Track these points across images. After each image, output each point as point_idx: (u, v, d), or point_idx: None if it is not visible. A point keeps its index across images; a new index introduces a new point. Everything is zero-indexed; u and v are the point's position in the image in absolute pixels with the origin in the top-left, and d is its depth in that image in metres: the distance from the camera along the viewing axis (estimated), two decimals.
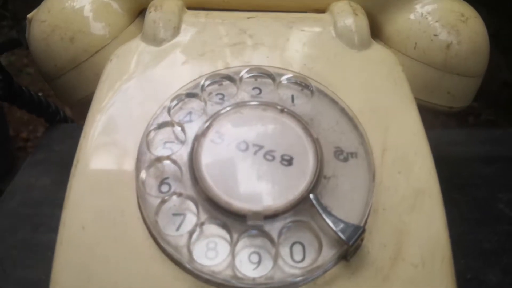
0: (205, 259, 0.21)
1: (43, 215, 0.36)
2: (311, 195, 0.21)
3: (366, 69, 0.27)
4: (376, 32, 0.34)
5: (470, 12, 0.32)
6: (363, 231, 0.21)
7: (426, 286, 0.22)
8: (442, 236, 0.23)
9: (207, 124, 0.23)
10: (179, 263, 0.21)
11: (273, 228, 0.21)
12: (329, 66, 0.27)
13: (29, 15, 0.34)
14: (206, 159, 0.22)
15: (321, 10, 0.32)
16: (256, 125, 0.23)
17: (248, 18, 0.29)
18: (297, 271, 0.21)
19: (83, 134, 0.25)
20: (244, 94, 0.25)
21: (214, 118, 0.23)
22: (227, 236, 0.21)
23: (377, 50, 0.28)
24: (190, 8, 0.32)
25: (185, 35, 0.28)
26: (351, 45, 0.28)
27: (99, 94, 0.26)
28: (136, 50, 0.27)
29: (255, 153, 0.22)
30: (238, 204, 0.21)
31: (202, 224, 0.22)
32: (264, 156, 0.22)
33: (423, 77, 0.32)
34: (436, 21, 0.31)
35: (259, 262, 0.21)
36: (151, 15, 0.28)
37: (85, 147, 0.24)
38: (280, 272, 0.21)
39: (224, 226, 0.22)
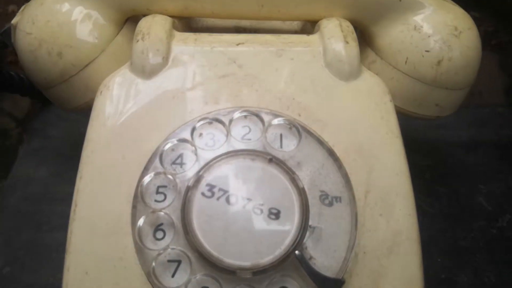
0: None
1: (44, 212, 0.38)
2: (296, 252, 0.23)
3: (354, 102, 0.28)
4: (368, 41, 0.33)
5: (464, 24, 0.31)
6: (343, 283, 0.23)
7: None
8: (417, 277, 0.25)
9: (197, 177, 0.24)
10: None
11: (261, 279, 0.23)
12: (317, 101, 0.27)
13: (13, 21, 0.33)
14: (197, 215, 0.23)
15: (312, 21, 0.32)
16: (245, 177, 0.24)
17: (237, 44, 0.28)
18: None
19: (79, 175, 0.26)
20: (234, 136, 0.26)
21: (204, 169, 0.24)
22: (218, 284, 0.24)
23: (366, 79, 0.28)
24: (179, 19, 0.31)
25: (175, 65, 0.28)
26: (340, 76, 0.28)
27: (91, 133, 0.27)
28: (125, 83, 0.27)
29: (244, 206, 0.24)
30: (228, 260, 0.23)
31: (194, 274, 0.23)
32: (253, 209, 0.23)
33: (412, 91, 0.32)
34: (429, 36, 0.31)
35: None
36: (139, 45, 0.28)
37: (82, 191, 0.25)
38: None
39: (215, 278, 0.23)
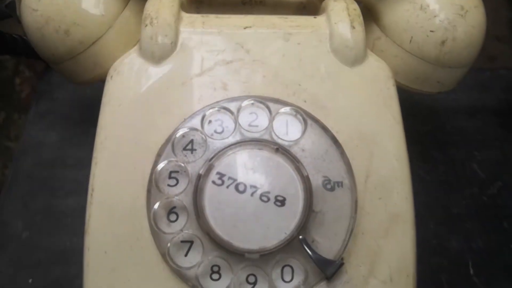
0: (210, 281, 0.26)
1: (57, 177, 0.40)
2: (300, 237, 0.25)
3: (358, 88, 0.28)
4: (374, 18, 0.33)
5: (471, 2, 0.31)
6: (342, 264, 0.25)
7: None
8: (410, 256, 0.27)
9: (208, 166, 0.26)
10: (190, 283, 0.26)
11: (268, 260, 0.26)
12: (322, 87, 0.28)
13: None
14: (208, 202, 0.25)
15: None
16: (253, 166, 0.25)
17: (245, 28, 0.29)
18: None
19: (94, 161, 0.27)
20: (242, 124, 0.27)
21: (214, 159, 0.26)
22: (228, 264, 0.26)
23: (371, 64, 0.29)
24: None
25: (183, 50, 0.28)
26: (345, 62, 0.28)
27: (103, 118, 0.28)
28: (135, 68, 0.28)
29: (252, 194, 0.25)
30: (237, 244, 0.25)
31: (206, 256, 0.26)
32: (260, 197, 0.25)
33: (415, 69, 0.33)
34: (435, 16, 0.31)
35: (255, 283, 0.26)
36: (147, 30, 0.28)
37: (98, 176, 0.27)
38: None
39: (225, 258, 0.26)
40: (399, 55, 0.32)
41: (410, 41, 0.32)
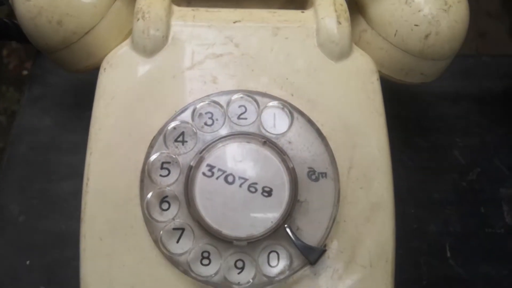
0: (200, 266, 0.27)
1: (52, 162, 0.41)
2: (286, 226, 0.27)
3: (343, 82, 0.30)
4: (360, 10, 0.34)
5: None
6: (324, 251, 0.27)
7: (371, 281, 0.28)
8: (389, 243, 0.29)
9: (198, 158, 0.27)
10: (181, 268, 0.27)
11: (255, 247, 0.27)
12: (309, 81, 0.29)
13: None
14: (199, 192, 0.26)
15: None
16: (242, 159, 0.27)
17: (234, 22, 0.29)
18: (272, 273, 0.27)
19: (88, 151, 0.28)
20: (231, 117, 0.28)
21: (205, 151, 0.27)
22: (217, 251, 0.27)
23: (356, 59, 0.30)
24: None
25: (174, 43, 0.29)
26: (331, 56, 0.30)
27: (97, 110, 0.29)
28: (128, 61, 0.29)
29: (240, 185, 0.27)
30: (226, 232, 0.26)
31: (197, 243, 0.27)
32: (248, 188, 0.26)
33: (399, 61, 0.34)
34: (419, 11, 0.32)
35: (242, 268, 0.28)
36: (139, 24, 0.29)
37: (93, 165, 0.28)
38: (259, 274, 0.27)
39: (214, 244, 0.27)
40: (384, 47, 0.33)
41: (395, 34, 0.33)
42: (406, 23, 0.32)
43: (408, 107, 0.45)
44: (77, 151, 0.41)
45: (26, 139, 0.42)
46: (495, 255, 0.38)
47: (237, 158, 0.27)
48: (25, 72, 1.77)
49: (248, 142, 0.27)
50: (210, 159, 0.27)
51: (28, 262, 0.36)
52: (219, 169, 0.27)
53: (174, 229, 0.28)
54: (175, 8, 0.30)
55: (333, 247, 0.28)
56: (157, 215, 0.27)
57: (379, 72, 0.34)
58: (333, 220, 0.28)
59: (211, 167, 0.27)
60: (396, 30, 0.33)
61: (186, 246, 0.27)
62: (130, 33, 0.32)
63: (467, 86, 0.48)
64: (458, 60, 0.48)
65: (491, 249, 0.38)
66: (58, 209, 0.39)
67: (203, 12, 0.30)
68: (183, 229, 0.27)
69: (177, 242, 0.27)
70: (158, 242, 0.27)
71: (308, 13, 0.30)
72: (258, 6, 0.33)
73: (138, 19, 0.29)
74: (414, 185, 0.41)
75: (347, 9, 0.30)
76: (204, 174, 0.27)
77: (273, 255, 0.28)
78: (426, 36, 0.32)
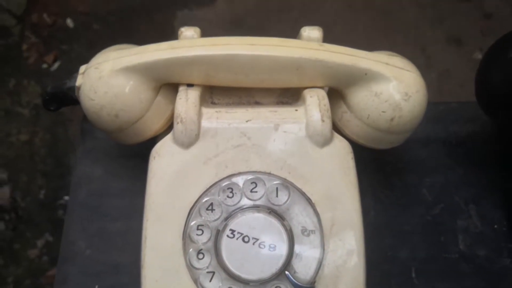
0: None
1: (105, 205, 0.52)
2: (286, 272, 0.38)
3: (326, 163, 0.41)
4: (342, 97, 0.45)
5: (414, 88, 0.43)
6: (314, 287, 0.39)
7: None
8: (360, 279, 0.40)
9: (224, 224, 0.38)
10: None
11: (265, 285, 0.39)
12: (301, 162, 0.40)
13: (77, 84, 0.45)
14: (224, 249, 0.38)
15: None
16: (254, 225, 0.38)
17: (247, 121, 0.41)
18: None
19: (145, 218, 0.40)
20: (246, 192, 0.39)
21: (227, 220, 0.38)
22: None
23: (335, 145, 0.41)
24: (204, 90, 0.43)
25: (204, 138, 0.40)
26: (317, 144, 0.41)
27: (150, 188, 0.40)
28: (170, 151, 0.40)
29: (253, 243, 0.38)
30: (244, 276, 0.38)
31: (223, 282, 0.39)
32: (259, 245, 0.38)
33: (372, 135, 0.45)
34: (385, 101, 0.42)
35: None
36: (179, 126, 0.40)
37: (149, 229, 0.40)
38: None
39: (236, 285, 0.39)
40: (360, 125, 0.44)
41: (368, 117, 0.44)
42: (376, 109, 0.43)
43: (386, 151, 0.55)
44: (124, 196, 0.53)
45: (83, 187, 0.54)
46: (450, 276, 0.49)
47: (251, 224, 0.38)
48: (44, 66, 1.89)
49: (258, 212, 0.39)
50: (232, 225, 0.38)
51: (96, 287, 0.48)
52: (238, 232, 0.38)
53: (207, 272, 0.39)
54: (204, 110, 0.41)
55: (320, 284, 0.40)
56: (195, 263, 0.39)
57: (357, 142, 0.45)
58: (320, 264, 0.39)
59: (233, 231, 0.38)
60: (368, 115, 0.43)
61: (216, 285, 0.39)
62: (168, 118, 0.44)
63: (437, 131, 0.58)
64: (432, 107, 0.59)
65: (447, 271, 0.49)
66: (113, 244, 0.51)
67: (224, 114, 0.41)
68: (213, 272, 0.39)
69: (210, 281, 0.39)
70: (197, 282, 0.39)
71: (300, 112, 0.41)
72: (262, 94, 0.44)
73: (177, 123, 0.40)
74: (389, 219, 0.52)
75: (329, 108, 0.41)
76: (228, 236, 0.38)
77: None
78: (392, 119, 0.43)
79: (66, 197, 1.55)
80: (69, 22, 1.88)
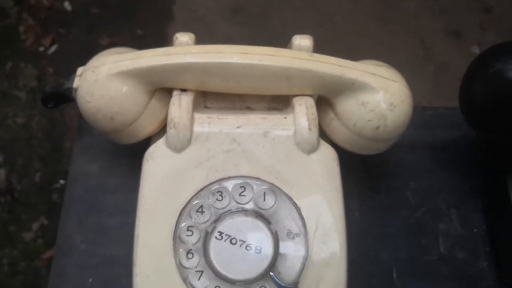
0: None
1: (100, 201, 0.54)
2: (271, 273, 0.40)
3: (313, 169, 0.42)
4: (330, 105, 0.47)
5: (398, 99, 0.44)
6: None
7: None
8: (342, 280, 0.42)
9: (212, 227, 0.40)
10: None
11: (250, 285, 0.41)
12: (288, 168, 0.42)
13: (74, 85, 0.46)
14: (213, 250, 0.40)
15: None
16: (242, 227, 0.40)
17: (237, 127, 0.42)
18: None
19: (138, 218, 0.42)
20: (234, 196, 0.41)
21: (216, 222, 0.40)
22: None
23: (322, 151, 0.43)
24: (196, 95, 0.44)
25: (195, 143, 0.42)
26: (304, 151, 0.42)
27: (143, 189, 0.42)
28: (163, 155, 0.42)
29: (240, 245, 0.40)
30: (231, 276, 0.40)
31: (211, 281, 0.41)
32: (246, 247, 0.40)
33: (358, 142, 0.46)
34: (371, 110, 0.44)
35: None
36: (172, 131, 0.41)
37: (141, 227, 0.42)
38: None
39: (223, 284, 0.41)
40: (346, 133, 0.46)
41: (354, 125, 0.45)
42: (362, 118, 0.45)
43: (375, 155, 0.57)
44: (119, 192, 0.55)
45: (80, 182, 0.56)
46: (430, 277, 0.52)
47: (239, 227, 0.40)
48: (41, 49, 1.89)
49: (246, 215, 0.41)
50: (220, 227, 0.40)
51: (90, 280, 0.50)
52: (226, 234, 0.40)
53: (196, 271, 0.41)
54: (196, 115, 0.43)
55: (304, 284, 0.42)
56: (185, 262, 0.41)
57: (344, 147, 0.47)
58: (303, 266, 0.42)
59: (221, 233, 0.40)
60: (355, 123, 0.45)
61: (204, 284, 0.41)
62: (162, 120, 0.46)
63: (423, 135, 0.60)
64: (420, 112, 0.61)
65: (428, 272, 0.52)
66: (108, 238, 0.53)
67: (215, 119, 0.43)
68: (202, 272, 0.41)
69: (198, 280, 0.41)
70: (186, 280, 0.41)
71: (289, 119, 0.43)
72: (254, 100, 0.46)
73: (171, 127, 0.42)
74: (373, 221, 0.54)
75: (316, 117, 0.43)
76: (216, 237, 0.40)
77: None
78: (377, 128, 0.45)
79: (62, 181, 1.57)
80: (67, 5, 1.87)
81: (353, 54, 0.48)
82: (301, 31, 0.48)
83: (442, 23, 1.83)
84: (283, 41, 0.49)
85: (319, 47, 0.46)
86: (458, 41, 1.81)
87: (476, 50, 1.76)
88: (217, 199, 0.42)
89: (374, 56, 0.50)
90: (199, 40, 0.47)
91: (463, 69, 0.52)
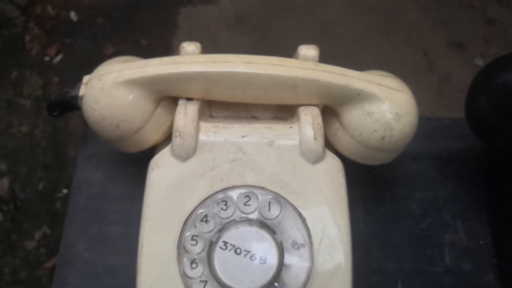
0: None
1: (104, 209, 0.54)
2: (275, 284, 0.40)
3: (318, 179, 0.42)
4: (335, 115, 0.47)
5: (404, 109, 0.44)
6: None
7: None
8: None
9: (217, 236, 0.40)
10: None
11: None
12: (294, 178, 0.42)
13: (80, 93, 0.46)
14: (217, 260, 0.40)
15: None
16: (246, 237, 0.40)
17: (243, 136, 0.42)
18: None
19: (142, 226, 0.42)
20: (239, 206, 0.41)
21: (220, 232, 0.40)
22: None
23: (327, 162, 0.43)
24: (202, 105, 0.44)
25: (201, 152, 0.42)
26: (309, 161, 0.42)
27: (148, 198, 0.42)
28: (168, 163, 0.42)
29: (245, 255, 0.40)
30: (236, 286, 0.40)
31: None
32: (250, 257, 0.40)
33: (363, 152, 0.46)
34: (377, 120, 0.44)
35: None
36: (177, 140, 0.41)
37: (146, 237, 0.41)
38: None
39: None
40: (352, 143, 0.46)
41: (360, 135, 0.45)
42: (368, 128, 0.44)
43: (379, 165, 0.57)
44: (123, 200, 0.55)
45: (83, 190, 0.56)
46: None
47: (244, 237, 0.40)
48: (47, 58, 1.90)
49: (250, 225, 0.40)
50: (225, 237, 0.40)
51: None
52: (231, 244, 0.40)
53: (200, 281, 0.41)
54: (202, 124, 0.43)
55: None
56: (189, 272, 0.41)
57: (349, 157, 0.47)
58: (308, 277, 0.41)
59: (225, 243, 0.40)
60: (360, 133, 0.45)
61: None
62: (168, 129, 0.46)
63: (429, 146, 0.60)
64: (425, 123, 0.61)
65: (433, 284, 0.51)
66: (111, 247, 0.52)
67: (221, 128, 0.43)
68: (206, 282, 0.41)
69: None
70: None
71: (294, 129, 0.43)
72: (259, 109, 0.46)
73: (176, 136, 0.42)
74: (378, 231, 0.54)
75: (322, 127, 0.43)
76: (220, 247, 0.40)
77: None
78: (383, 138, 0.45)
79: (65, 190, 1.57)
80: (73, 15, 1.89)
81: (355, 64, 0.47)
82: (303, 41, 0.48)
83: (444, 35, 1.84)
84: (286, 51, 0.49)
85: (321, 57, 0.46)
86: (461, 53, 1.82)
87: (479, 62, 1.77)
88: (222, 209, 0.41)
89: (376, 66, 0.50)
90: (203, 50, 0.47)
91: (466, 80, 0.51)
